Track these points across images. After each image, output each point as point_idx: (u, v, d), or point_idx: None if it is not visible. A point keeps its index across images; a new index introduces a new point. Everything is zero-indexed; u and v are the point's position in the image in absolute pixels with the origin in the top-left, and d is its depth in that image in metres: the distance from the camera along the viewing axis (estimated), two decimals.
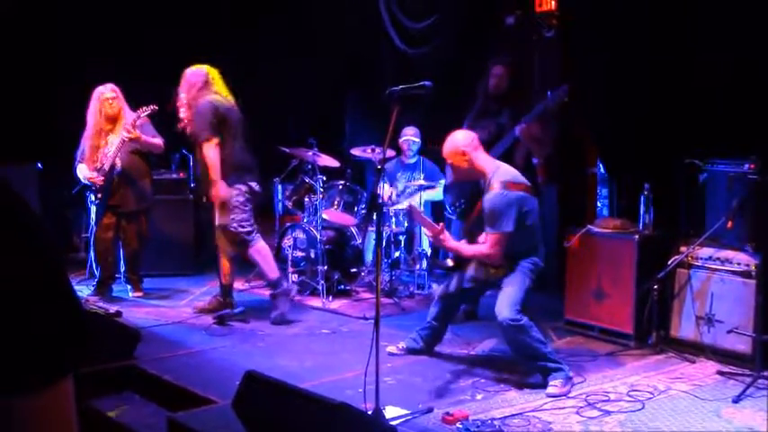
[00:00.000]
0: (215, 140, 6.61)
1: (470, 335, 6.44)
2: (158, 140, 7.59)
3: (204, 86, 6.77)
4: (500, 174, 5.46)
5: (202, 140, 6.64)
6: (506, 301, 5.25)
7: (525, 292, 5.35)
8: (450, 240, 5.64)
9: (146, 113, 7.29)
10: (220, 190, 6.64)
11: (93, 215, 7.66)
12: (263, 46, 9.84)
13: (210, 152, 6.62)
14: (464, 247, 5.69)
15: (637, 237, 6.15)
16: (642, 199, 6.26)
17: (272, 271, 6.92)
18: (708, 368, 5.61)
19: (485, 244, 5.43)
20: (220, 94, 6.80)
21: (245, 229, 6.78)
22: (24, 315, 1.44)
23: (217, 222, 6.82)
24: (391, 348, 5.96)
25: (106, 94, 7.44)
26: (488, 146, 6.41)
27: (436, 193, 8.20)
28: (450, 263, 5.87)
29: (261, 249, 6.88)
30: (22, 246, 1.52)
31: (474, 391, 5.21)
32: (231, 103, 6.83)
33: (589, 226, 6.46)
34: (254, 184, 6.85)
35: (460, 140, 5.59)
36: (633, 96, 6.65)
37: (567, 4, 7.61)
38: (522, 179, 5.56)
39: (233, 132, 6.75)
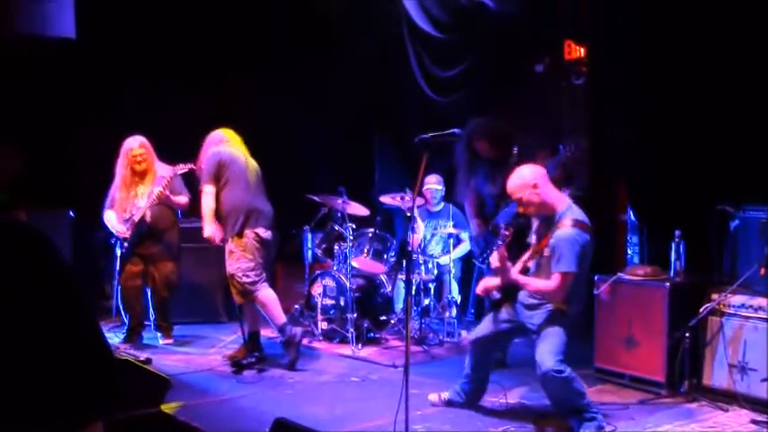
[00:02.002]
0: (209, 189, 6.85)
1: (500, 383, 6.39)
2: (184, 199, 7.69)
3: (219, 144, 7.02)
4: (573, 212, 5.30)
5: (201, 186, 6.93)
6: (549, 351, 5.13)
7: (566, 342, 5.22)
8: (514, 273, 5.40)
9: (182, 171, 7.38)
10: (206, 229, 6.89)
11: (118, 264, 7.67)
12: (293, 94, 9.91)
13: (204, 198, 6.91)
14: (530, 281, 5.37)
15: (668, 284, 6.10)
16: (673, 246, 6.23)
17: (278, 318, 6.91)
18: (741, 417, 5.53)
19: (551, 281, 5.19)
20: (233, 147, 7.00)
21: (250, 279, 6.80)
22: (55, 360, 1.46)
23: (227, 270, 6.89)
24: (433, 397, 5.88)
25: (135, 151, 7.48)
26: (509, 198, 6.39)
27: (462, 250, 8.24)
28: (497, 295, 5.67)
29: (264, 298, 6.88)
30: (52, 292, 1.55)
31: None
32: (241, 154, 6.98)
33: (619, 273, 6.42)
34: (260, 230, 6.86)
35: (529, 174, 5.40)
36: (663, 143, 6.64)
37: (597, 51, 7.65)
38: (587, 220, 5.36)
39: (237, 179, 6.87)
